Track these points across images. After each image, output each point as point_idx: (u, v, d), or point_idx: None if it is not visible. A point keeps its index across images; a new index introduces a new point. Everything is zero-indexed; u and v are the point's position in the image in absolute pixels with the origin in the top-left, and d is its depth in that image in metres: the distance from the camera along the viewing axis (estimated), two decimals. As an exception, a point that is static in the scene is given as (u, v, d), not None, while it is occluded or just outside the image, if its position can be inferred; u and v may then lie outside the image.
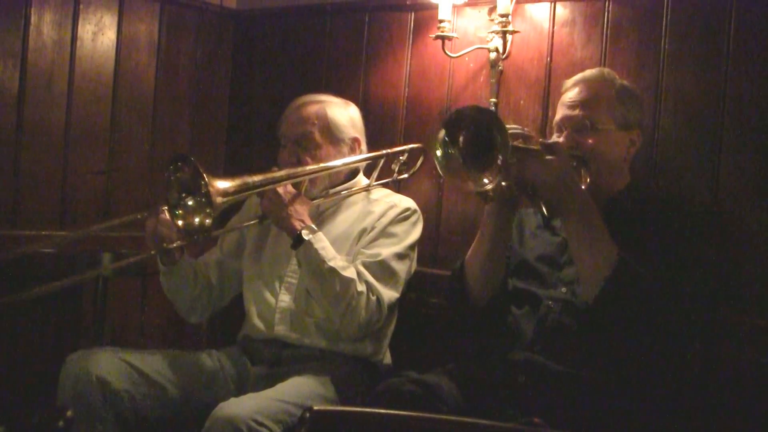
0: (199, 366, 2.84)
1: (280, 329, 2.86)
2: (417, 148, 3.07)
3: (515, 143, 2.24)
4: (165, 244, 2.69)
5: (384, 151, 3.00)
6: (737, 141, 2.65)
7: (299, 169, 2.79)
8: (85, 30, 3.41)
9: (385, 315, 2.80)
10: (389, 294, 2.79)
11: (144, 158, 3.64)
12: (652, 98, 2.78)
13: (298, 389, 2.61)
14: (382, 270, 2.79)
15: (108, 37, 3.49)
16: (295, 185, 2.77)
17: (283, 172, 2.73)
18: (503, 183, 2.29)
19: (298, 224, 2.71)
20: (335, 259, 2.71)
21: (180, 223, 2.53)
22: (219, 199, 2.43)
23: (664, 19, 2.79)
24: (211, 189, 2.41)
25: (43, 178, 3.34)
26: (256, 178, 2.61)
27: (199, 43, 3.81)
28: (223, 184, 2.46)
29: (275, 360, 2.84)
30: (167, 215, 2.60)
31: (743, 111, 2.64)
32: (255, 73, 3.90)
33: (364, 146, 3.03)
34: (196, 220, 2.51)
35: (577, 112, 2.48)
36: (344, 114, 2.99)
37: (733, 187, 2.65)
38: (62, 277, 2.67)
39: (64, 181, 3.39)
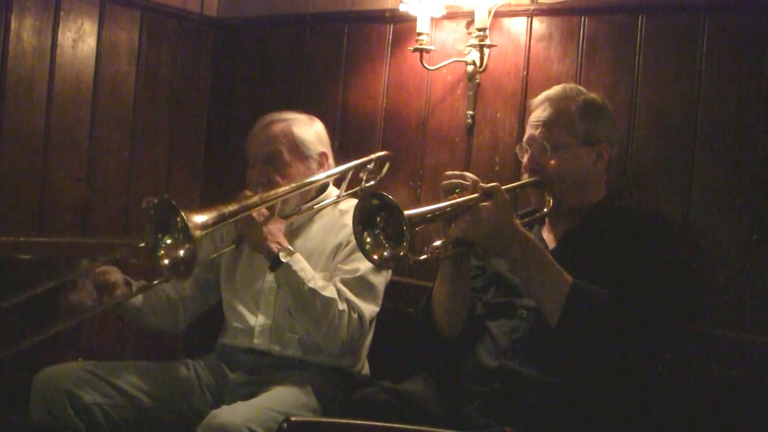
0: (174, 376, 2.85)
1: (260, 342, 2.87)
2: (383, 156, 3.08)
3: (451, 196, 2.28)
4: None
5: (352, 163, 3.00)
6: (709, 155, 2.69)
7: (272, 192, 2.76)
8: (66, 37, 3.42)
9: (367, 331, 2.83)
10: (370, 309, 2.81)
11: (123, 165, 3.65)
12: (626, 112, 2.82)
13: (285, 398, 2.62)
14: (361, 286, 2.80)
15: (88, 44, 3.49)
16: (268, 207, 2.76)
17: (256, 198, 2.70)
18: (437, 243, 2.31)
19: (274, 246, 2.70)
20: (315, 279, 2.72)
21: (166, 262, 2.50)
22: (198, 233, 2.41)
23: (639, 34, 2.83)
24: (189, 224, 2.39)
25: (22, 184, 3.34)
26: (232, 207, 2.59)
27: (179, 51, 3.82)
28: (200, 218, 2.45)
29: (254, 368, 2.86)
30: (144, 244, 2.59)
31: (716, 125, 2.68)
32: (234, 81, 3.91)
33: (331, 160, 3.04)
34: (179, 255, 2.48)
35: (538, 132, 2.50)
36: (310, 130, 3.00)
37: (705, 200, 2.68)
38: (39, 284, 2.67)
39: (43, 188, 3.40)
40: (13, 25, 3.27)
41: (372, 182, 3.05)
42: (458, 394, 2.45)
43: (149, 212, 2.49)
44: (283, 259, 2.69)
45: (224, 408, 2.49)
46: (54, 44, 3.40)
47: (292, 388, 2.68)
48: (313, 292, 2.68)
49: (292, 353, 2.84)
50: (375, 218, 2.21)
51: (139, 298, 2.86)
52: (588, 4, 2.95)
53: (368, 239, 2.22)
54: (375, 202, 2.19)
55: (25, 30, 3.31)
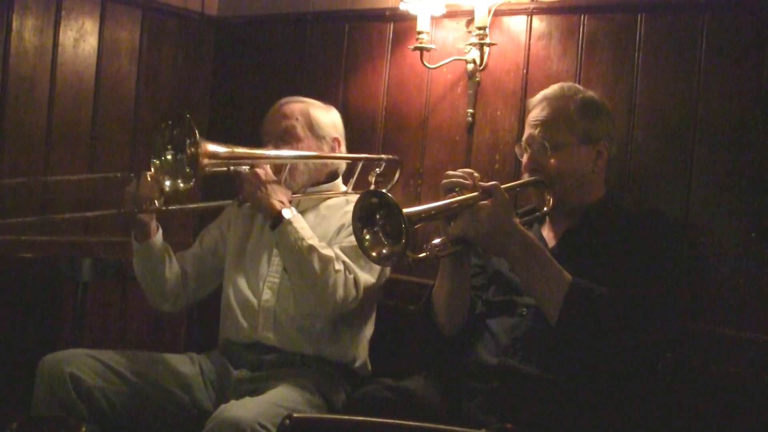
0: (176, 367, 2.86)
1: (263, 330, 2.88)
2: (394, 159, 3.08)
3: (451, 195, 2.29)
4: (145, 205, 2.72)
5: (363, 155, 3.03)
6: (709, 154, 2.69)
7: (282, 152, 2.84)
8: (67, 36, 3.43)
9: (361, 297, 2.81)
10: (365, 276, 2.83)
11: (125, 164, 3.64)
12: (625, 111, 2.83)
13: (291, 394, 2.64)
14: (358, 254, 2.77)
15: (89, 43, 3.51)
16: (275, 174, 2.80)
17: (264, 150, 2.76)
18: (437, 242, 2.33)
19: (278, 204, 2.74)
20: (314, 239, 2.75)
21: (162, 177, 2.51)
22: (206, 161, 2.43)
23: (638, 33, 2.84)
24: (200, 149, 2.40)
25: (24, 183, 3.35)
26: (242, 150, 2.63)
27: (180, 50, 3.84)
28: (213, 147, 2.46)
29: (257, 364, 2.87)
30: (149, 178, 2.62)
31: (715, 124, 2.69)
32: (235, 80, 3.92)
33: (344, 148, 3.08)
34: (180, 178, 2.49)
35: (537, 131, 2.51)
36: (326, 115, 3.06)
37: (704, 199, 2.69)
38: (42, 283, 2.69)
39: (45, 187, 3.40)
40: (14, 25, 3.28)
41: (384, 189, 3.02)
42: (459, 391, 2.47)
43: (168, 129, 2.49)
44: (286, 215, 2.72)
45: (233, 403, 2.51)
46: (55, 43, 3.41)
47: (297, 385, 2.70)
48: (312, 248, 2.71)
49: (295, 348, 2.86)
50: (374, 216, 2.22)
51: (165, 248, 2.93)
52: (587, 3, 2.95)
53: (367, 236, 2.23)
54: (374, 200, 2.20)
55: (26, 29, 3.32)
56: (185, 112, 2.50)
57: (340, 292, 2.74)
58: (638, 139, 2.82)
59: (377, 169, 3.00)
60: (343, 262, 2.77)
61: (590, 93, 2.59)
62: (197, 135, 2.42)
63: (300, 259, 2.72)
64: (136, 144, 3.69)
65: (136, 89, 3.68)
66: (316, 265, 2.71)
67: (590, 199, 2.53)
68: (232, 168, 2.72)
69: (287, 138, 2.95)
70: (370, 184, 2.99)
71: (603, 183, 2.58)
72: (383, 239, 2.22)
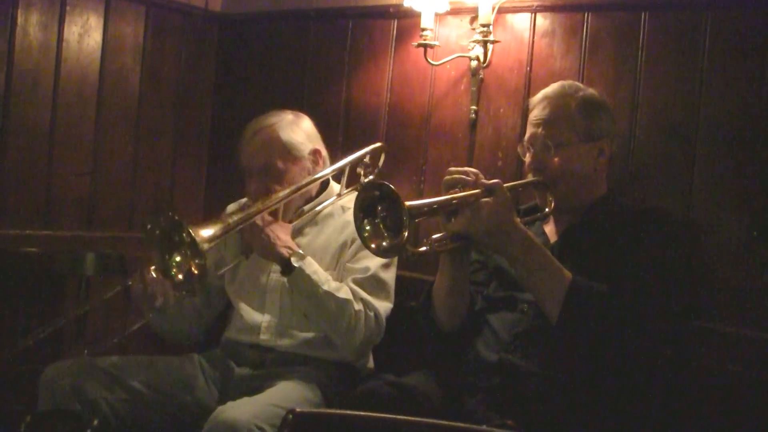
0: (179, 370, 2.87)
1: (266, 338, 2.89)
2: (377, 148, 3.02)
3: (452, 191, 2.28)
4: (157, 302, 2.70)
5: (347, 159, 2.94)
6: (711, 153, 2.70)
7: (273, 197, 2.73)
8: (71, 32, 3.44)
9: (384, 329, 2.82)
10: (385, 306, 2.82)
11: (127, 160, 3.67)
12: (628, 109, 2.84)
13: (289, 394, 2.64)
14: (373, 284, 2.80)
15: (93, 39, 3.51)
16: (271, 213, 2.74)
17: (258, 205, 2.67)
18: (437, 236, 2.33)
19: (285, 251, 2.70)
20: (328, 282, 2.72)
21: (180, 277, 2.46)
22: (206, 246, 2.39)
23: (641, 32, 2.84)
24: (197, 238, 2.35)
25: (28, 178, 3.36)
26: (235, 217, 2.56)
27: (183, 46, 3.84)
28: (207, 232, 2.41)
29: (259, 363, 2.87)
30: (154, 275, 2.58)
31: (717, 123, 2.69)
32: (238, 76, 3.93)
33: (324, 153, 3.00)
34: (190, 271, 2.44)
35: (539, 131, 2.51)
36: (298, 131, 2.95)
37: (705, 197, 2.70)
38: (44, 277, 2.69)
39: (49, 182, 3.41)
40: (19, 20, 3.29)
41: (371, 176, 2.97)
42: (460, 387, 2.47)
43: (154, 234, 2.44)
44: (296, 264, 2.68)
45: (230, 404, 2.51)
46: (60, 39, 3.41)
47: (296, 384, 2.70)
48: (329, 294, 2.68)
49: (297, 349, 2.85)
50: (376, 208, 2.21)
51: (175, 303, 2.86)
52: (591, 1, 2.95)
53: (368, 227, 2.22)
54: (377, 192, 2.20)
55: (31, 25, 3.32)
56: (165, 210, 2.47)
57: (363, 331, 2.73)
58: (640, 137, 2.83)
59: (365, 159, 2.95)
60: (362, 300, 2.75)
61: (590, 90, 2.59)
62: (190, 231, 2.35)
63: (317, 305, 2.70)
64: (139, 140, 3.70)
65: (139, 85, 3.69)
66: (335, 310, 2.69)
67: (592, 196, 2.53)
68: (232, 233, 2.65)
69: (268, 173, 2.87)
70: (359, 175, 2.94)
71: (605, 180, 2.59)
72: (384, 231, 2.21)
